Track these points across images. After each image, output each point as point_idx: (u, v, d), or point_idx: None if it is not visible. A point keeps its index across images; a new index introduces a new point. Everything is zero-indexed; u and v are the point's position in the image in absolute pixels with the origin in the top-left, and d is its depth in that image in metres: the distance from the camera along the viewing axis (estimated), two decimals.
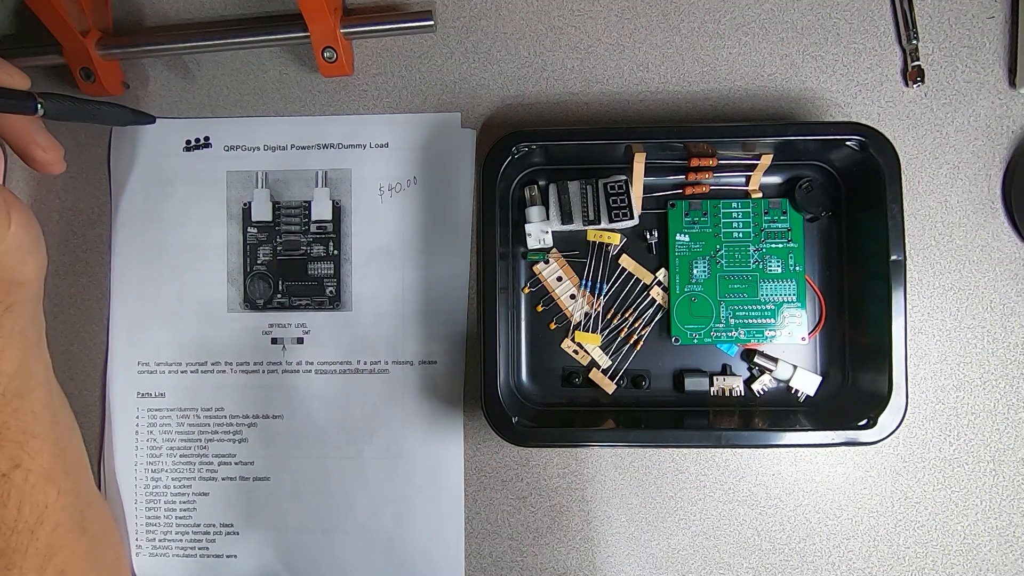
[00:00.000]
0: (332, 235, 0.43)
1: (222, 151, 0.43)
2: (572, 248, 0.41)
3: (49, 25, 0.39)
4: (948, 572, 0.41)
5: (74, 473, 0.35)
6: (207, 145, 0.43)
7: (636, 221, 0.40)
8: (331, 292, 0.43)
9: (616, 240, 0.41)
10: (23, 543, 0.32)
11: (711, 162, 0.40)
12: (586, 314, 0.41)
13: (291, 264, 0.43)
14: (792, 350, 0.41)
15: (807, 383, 0.40)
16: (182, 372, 0.43)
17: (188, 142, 0.43)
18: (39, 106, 0.32)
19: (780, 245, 0.40)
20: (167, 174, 0.43)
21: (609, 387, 0.41)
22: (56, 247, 0.44)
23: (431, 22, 0.40)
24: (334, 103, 0.43)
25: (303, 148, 0.43)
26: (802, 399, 0.41)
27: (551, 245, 0.41)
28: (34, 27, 0.41)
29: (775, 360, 0.40)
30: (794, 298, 0.40)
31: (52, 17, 0.38)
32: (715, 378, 0.41)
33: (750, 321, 0.40)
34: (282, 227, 0.43)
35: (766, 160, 0.40)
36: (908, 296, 0.37)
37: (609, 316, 0.41)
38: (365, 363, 0.43)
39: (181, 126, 0.43)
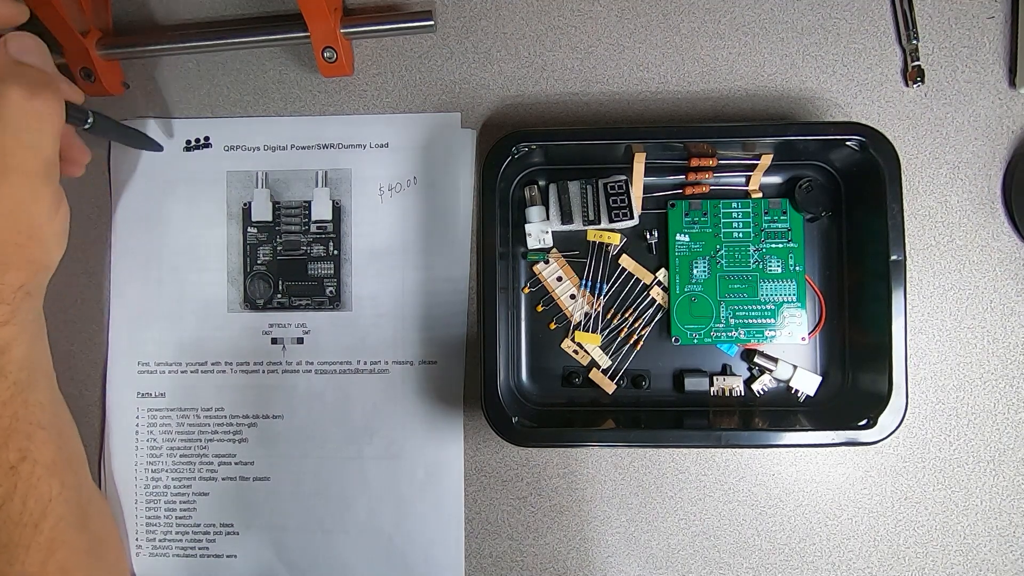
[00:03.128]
0: (332, 235, 0.43)
1: (222, 151, 0.43)
2: (572, 248, 0.41)
3: (49, 25, 0.39)
4: (948, 572, 0.41)
5: (75, 467, 0.35)
6: (207, 145, 0.43)
7: (636, 221, 0.40)
8: (331, 292, 0.43)
9: (616, 240, 0.41)
10: (26, 537, 0.32)
11: (711, 162, 0.40)
12: (586, 314, 0.41)
13: (291, 264, 0.43)
14: (792, 350, 0.41)
15: (807, 383, 0.40)
16: (182, 372, 0.43)
17: (188, 142, 0.43)
18: (89, 119, 0.36)
19: (780, 245, 0.40)
20: (167, 174, 0.43)
21: (609, 387, 0.41)
22: None
23: (431, 22, 0.40)
24: (334, 103, 0.43)
25: (303, 148, 0.43)
26: (802, 399, 0.41)
27: (551, 245, 0.41)
28: (34, 27, 0.41)
29: (775, 360, 0.40)
30: (794, 298, 0.40)
31: (52, 17, 0.38)
32: (715, 378, 0.41)
33: (750, 321, 0.40)
34: (282, 227, 0.43)
35: (766, 160, 0.40)
36: (908, 296, 0.37)
37: (609, 316, 0.41)
38: (365, 363, 0.43)
39: (181, 126, 0.43)
